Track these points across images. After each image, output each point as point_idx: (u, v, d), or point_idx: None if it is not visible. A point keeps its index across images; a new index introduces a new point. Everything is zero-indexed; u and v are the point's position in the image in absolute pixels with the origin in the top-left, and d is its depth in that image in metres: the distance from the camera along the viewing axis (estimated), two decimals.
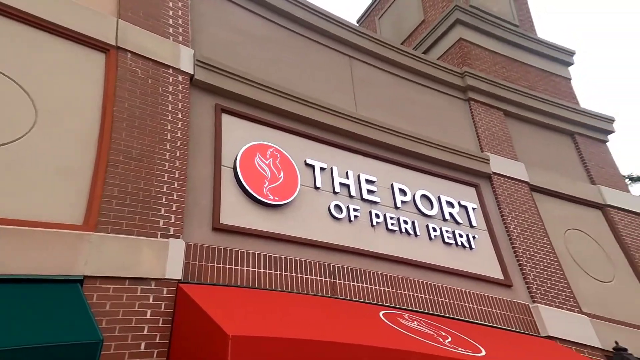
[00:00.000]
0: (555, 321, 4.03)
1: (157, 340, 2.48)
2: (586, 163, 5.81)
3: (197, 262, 2.99)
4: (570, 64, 6.94)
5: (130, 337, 2.41)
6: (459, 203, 4.49)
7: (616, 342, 3.96)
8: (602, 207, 5.38)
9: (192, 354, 2.31)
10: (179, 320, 2.58)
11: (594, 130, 6.19)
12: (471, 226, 4.40)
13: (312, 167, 3.92)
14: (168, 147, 3.26)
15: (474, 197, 4.68)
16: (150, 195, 3.00)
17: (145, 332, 2.47)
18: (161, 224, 2.93)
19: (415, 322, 3.08)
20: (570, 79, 6.85)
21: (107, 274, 2.54)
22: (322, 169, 3.96)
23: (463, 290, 3.91)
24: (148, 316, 2.53)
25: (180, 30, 3.87)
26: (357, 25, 6.26)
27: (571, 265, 4.67)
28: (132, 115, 3.21)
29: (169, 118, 3.38)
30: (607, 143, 6.25)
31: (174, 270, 2.81)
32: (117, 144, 3.02)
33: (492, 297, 3.99)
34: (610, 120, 6.30)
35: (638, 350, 3.98)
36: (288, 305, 2.84)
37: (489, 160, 4.99)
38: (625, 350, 3.85)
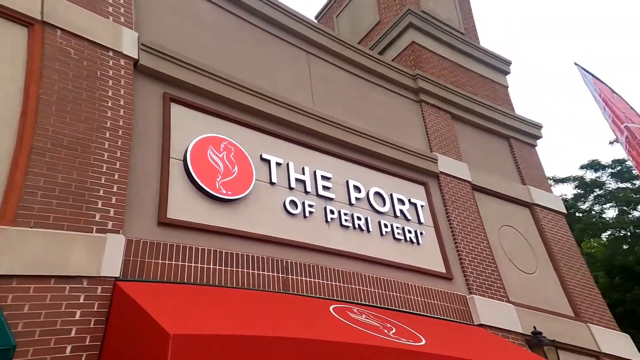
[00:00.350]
0: (487, 310, 4.37)
1: (87, 343, 2.29)
2: (518, 165, 6.39)
3: (139, 259, 2.80)
4: (507, 72, 7.58)
5: (54, 340, 2.20)
6: (409, 200, 4.69)
7: (534, 327, 4.43)
8: (530, 206, 5.95)
9: (128, 356, 2.15)
10: (114, 320, 2.39)
11: (526, 136, 6.84)
12: (419, 223, 4.62)
13: (268, 162, 3.86)
14: (107, 135, 3.01)
15: (422, 195, 4.92)
16: (85, 187, 2.75)
17: (72, 334, 2.26)
18: (97, 218, 2.71)
19: (364, 315, 3.17)
20: (507, 87, 7.49)
21: (27, 272, 2.28)
22: (278, 164, 3.91)
23: (409, 283, 4.10)
24: (77, 317, 2.32)
25: (122, 10, 3.57)
26: (316, 21, 6.25)
27: (502, 258, 5.11)
28: (64, 99, 2.91)
29: (109, 104, 3.12)
30: (535, 147, 6.94)
31: (111, 267, 2.61)
32: (44, 129, 2.72)
33: (434, 289, 4.24)
34: (539, 126, 7.01)
35: (551, 333, 4.48)
36: (237, 302, 2.77)
37: (437, 160, 5.27)
38: (541, 333, 4.32)
